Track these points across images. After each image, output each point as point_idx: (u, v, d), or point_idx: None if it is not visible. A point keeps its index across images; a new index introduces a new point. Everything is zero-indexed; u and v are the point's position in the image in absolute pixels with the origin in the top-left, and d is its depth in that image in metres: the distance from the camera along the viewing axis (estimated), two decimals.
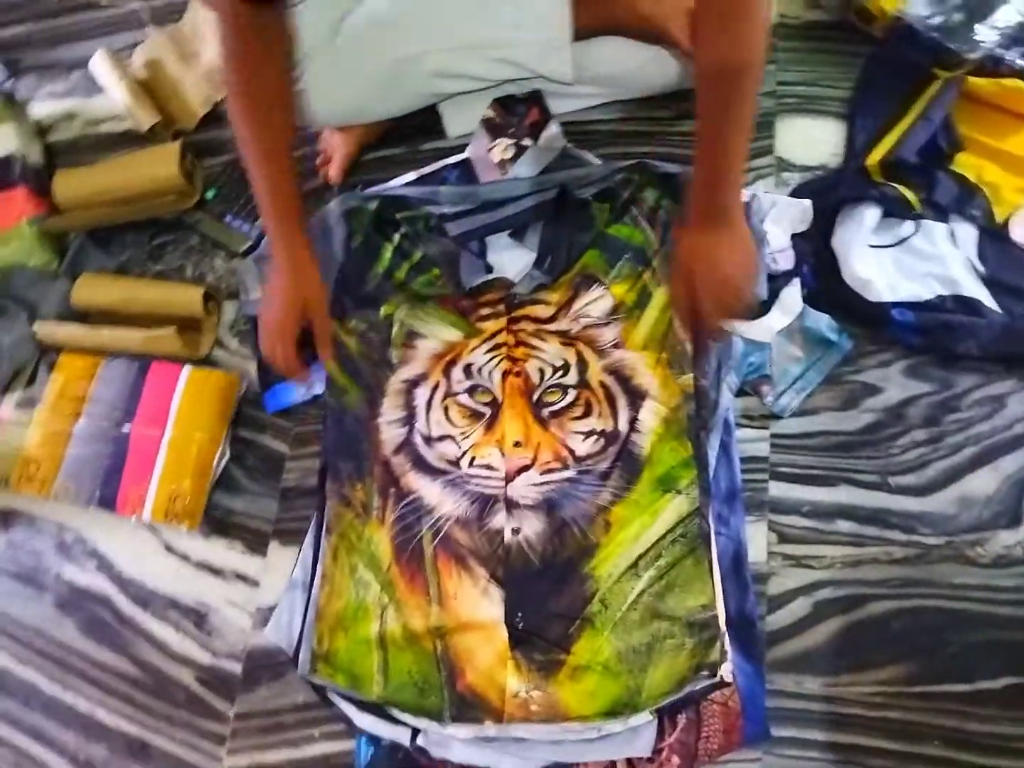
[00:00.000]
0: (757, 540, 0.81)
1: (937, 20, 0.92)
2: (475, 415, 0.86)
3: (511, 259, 0.94)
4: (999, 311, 0.84)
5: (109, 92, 1.16)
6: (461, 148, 1.01)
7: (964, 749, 0.73)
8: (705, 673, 0.73)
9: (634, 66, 0.92)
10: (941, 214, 0.89)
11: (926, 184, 0.89)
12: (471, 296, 0.91)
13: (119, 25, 1.28)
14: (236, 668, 0.89)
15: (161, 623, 0.92)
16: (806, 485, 0.83)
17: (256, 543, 0.93)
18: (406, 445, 0.86)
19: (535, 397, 0.85)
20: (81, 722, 0.91)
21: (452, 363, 0.88)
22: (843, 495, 0.82)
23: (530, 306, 0.89)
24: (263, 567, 0.92)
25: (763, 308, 0.85)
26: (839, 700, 0.76)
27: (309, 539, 0.88)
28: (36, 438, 0.97)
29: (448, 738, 0.77)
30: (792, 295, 0.86)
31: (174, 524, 0.92)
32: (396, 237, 0.95)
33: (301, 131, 0.98)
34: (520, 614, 0.77)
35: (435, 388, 0.88)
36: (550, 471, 0.82)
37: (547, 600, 0.78)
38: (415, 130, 1.04)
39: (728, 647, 0.75)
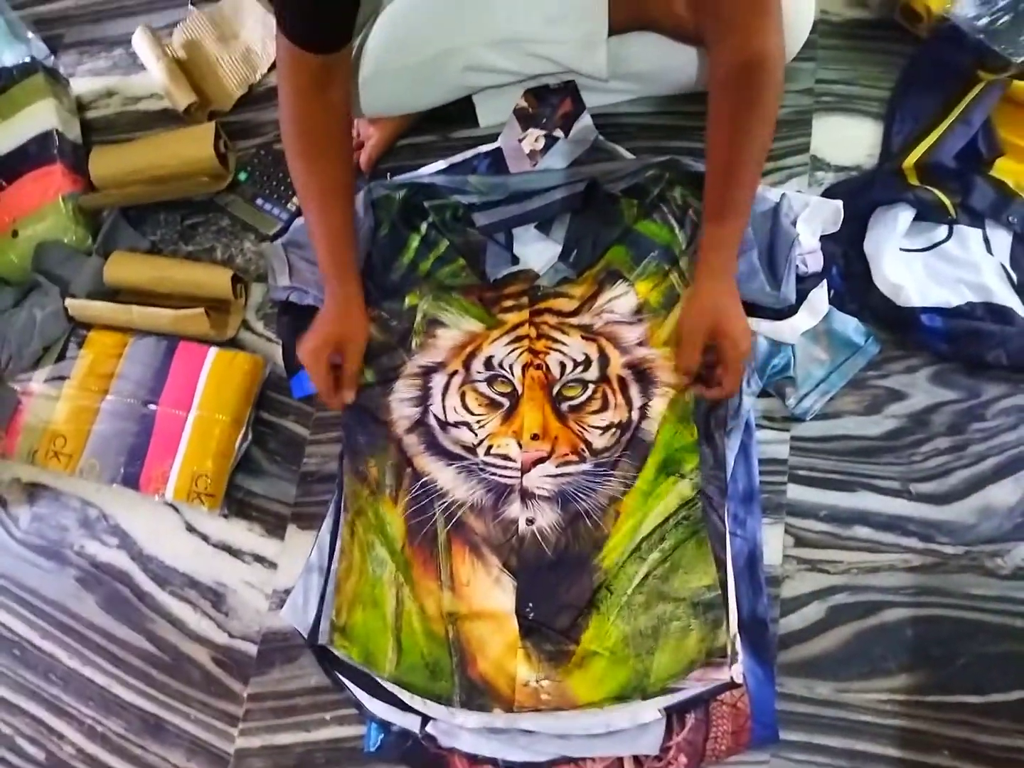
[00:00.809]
0: (773, 543, 0.84)
1: (984, 22, 0.94)
2: (493, 404, 0.90)
3: (537, 251, 0.97)
4: None
5: (148, 70, 1.22)
6: (493, 137, 1.05)
7: (974, 761, 0.75)
8: (716, 659, 0.76)
9: (668, 64, 0.95)
10: (976, 220, 0.91)
11: (962, 188, 0.90)
12: (495, 287, 0.95)
13: (161, 3, 1.33)
14: (251, 649, 0.93)
15: (179, 602, 0.98)
16: (825, 489, 0.86)
17: (275, 526, 0.98)
18: (420, 425, 0.91)
19: (555, 391, 0.89)
20: (99, 696, 0.96)
21: (473, 354, 0.92)
22: (862, 500, 0.84)
23: (553, 299, 0.93)
24: (281, 549, 0.96)
25: (791, 309, 0.88)
26: (849, 706, 0.78)
27: (327, 523, 0.92)
28: (64, 413, 1.03)
29: (457, 727, 0.81)
30: (819, 297, 0.88)
31: (196, 504, 0.97)
32: (423, 226, 0.99)
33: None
34: (531, 604, 0.81)
35: (453, 375, 0.92)
36: (567, 463, 0.85)
37: (558, 591, 0.81)
38: (448, 118, 1.08)
39: (740, 648, 0.78)
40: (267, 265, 1.04)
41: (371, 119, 1.07)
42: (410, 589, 0.85)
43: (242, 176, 1.13)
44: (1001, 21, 0.93)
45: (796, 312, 0.88)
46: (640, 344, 0.89)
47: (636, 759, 0.79)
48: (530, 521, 0.84)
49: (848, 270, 0.91)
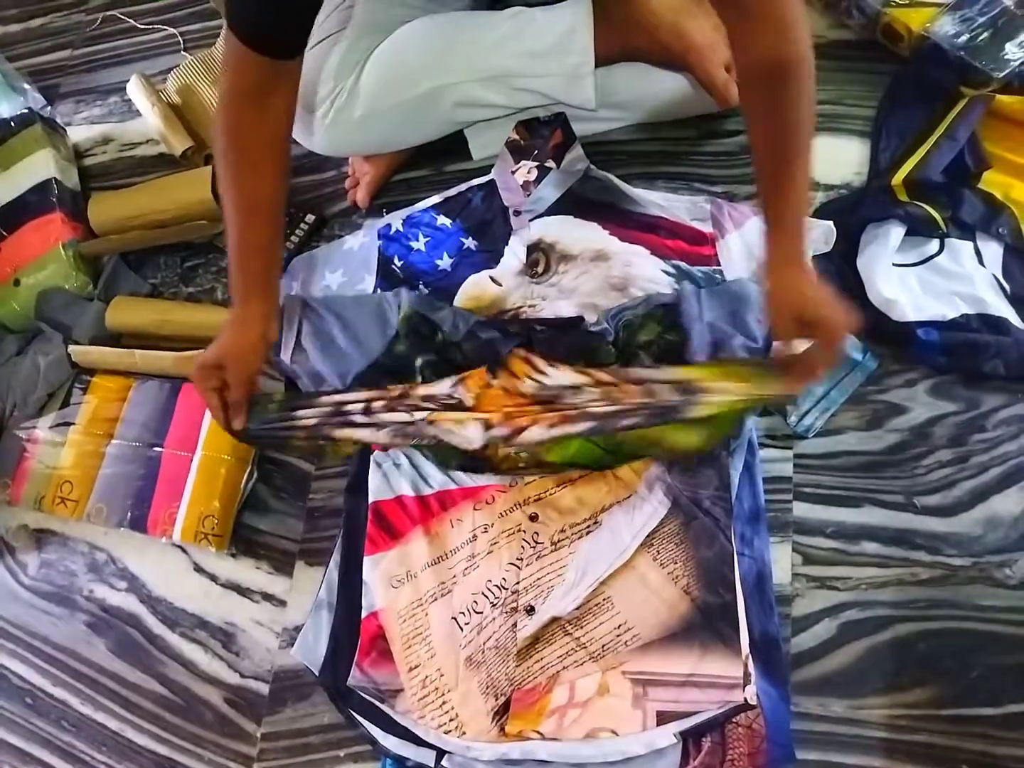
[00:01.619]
0: (781, 561, 0.85)
1: (964, 39, 0.96)
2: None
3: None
4: None
5: (144, 116, 1.25)
6: (486, 170, 1.07)
7: None
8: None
9: (656, 92, 0.98)
10: (967, 232, 0.93)
11: (952, 202, 0.92)
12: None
13: (155, 50, 1.38)
14: (263, 689, 0.94)
15: (190, 643, 0.98)
16: (830, 506, 0.87)
17: (283, 563, 0.99)
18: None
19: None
20: (112, 742, 0.97)
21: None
22: (868, 516, 0.86)
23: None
24: (290, 587, 0.97)
25: None
26: (864, 723, 0.79)
27: (335, 559, 0.92)
28: (70, 458, 1.04)
29: (472, 760, 0.81)
30: None
31: (203, 545, 0.98)
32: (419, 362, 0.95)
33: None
34: None
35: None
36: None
37: None
38: (441, 152, 1.11)
39: (752, 669, 0.79)
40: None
41: (365, 156, 1.09)
42: None
43: None
44: (981, 38, 0.95)
45: None
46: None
47: None
48: None
49: (842, 287, 0.92)
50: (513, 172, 1.03)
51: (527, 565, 0.86)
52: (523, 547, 0.87)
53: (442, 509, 0.91)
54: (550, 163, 1.02)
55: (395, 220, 1.06)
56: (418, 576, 0.88)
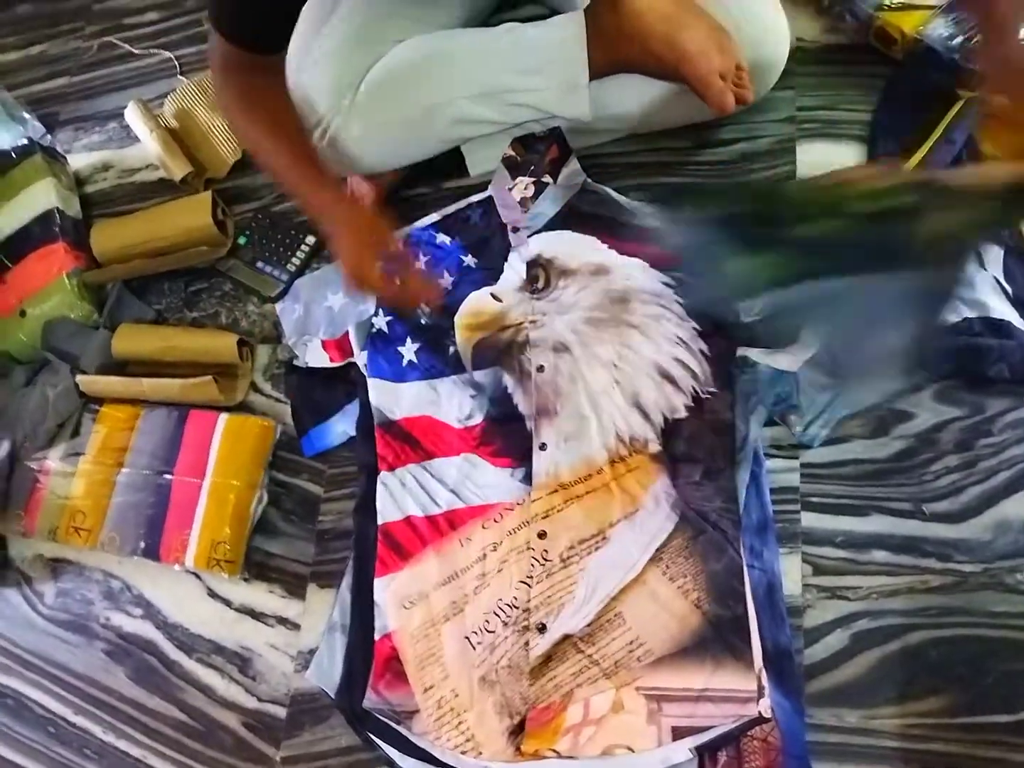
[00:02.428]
0: (791, 572, 0.85)
1: (958, 41, 0.95)
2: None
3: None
4: None
5: (143, 142, 1.25)
6: (484, 186, 1.07)
7: None
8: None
9: (651, 103, 0.97)
10: None
11: None
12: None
13: (152, 75, 1.37)
14: (281, 712, 0.94)
15: (206, 668, 0.99)
16: (838, 515, 0.86)
17: (295, 586, 0.99)
18: None
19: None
20: None
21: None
22: (876, 524, 0.85)
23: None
24: (303, 610, 0.98)
25: (788, 339, 0.90)
26: (879, 733, 0.78)
27: (346, 580, 0.93)
28: (81, 488, 1.05)
29: None
30: None
31: (216, 572, 0.98)
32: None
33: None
34: None
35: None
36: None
37: None
38: (438, 170, 1.10)
39: (766, 682, 0.79)
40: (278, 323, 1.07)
41: (364, 175, 1.09)
42: None
43: (241, 240, 1.16)
44: (975, 39, 0.94)
45: (795, 341, 0.89)
46: None
47: None
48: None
49: None
50: (510, 189, 1.04)
51: (537, 583, 0.86)
52: (532, 565, 0.87)
53: (451, 528, 0.91)
54: (547, 178, 1.03)
55: None
56: (429, 597, 0.89)
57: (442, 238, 1.05)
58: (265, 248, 1.14)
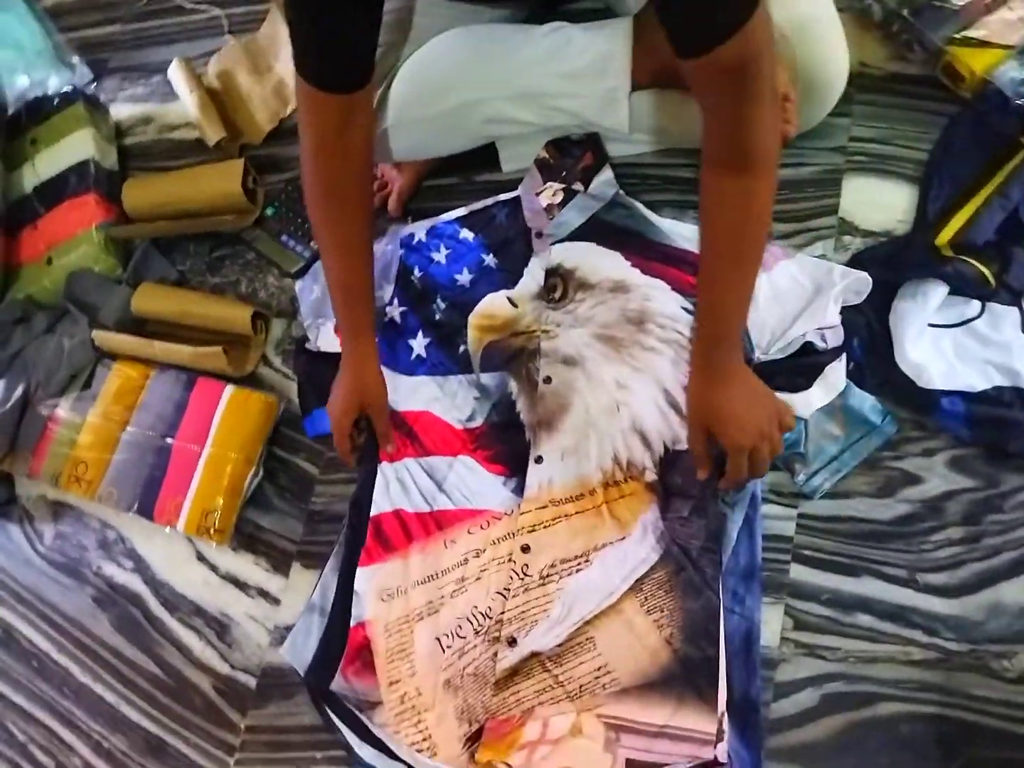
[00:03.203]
0: (771, 623, 0.83)
1: None
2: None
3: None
4: None
5: (183, 100, 1.26)
6: (515, 182, 1.06)
7: None
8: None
9: (690, 118, 0.94)
10: (1014, 297, 0.88)
11: (1001, 263, 0.87)
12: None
13: (200, 31, 1.38)
14: (251, 682, 0.97)
15: (186, 629, 1.02)
16: (829, 572, 0.84)
17: (280, 562, 1.01)
18: None
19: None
20: (107, 713, 1.01)
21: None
22: (867, 587, 0.83)
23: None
24: (285, 586, 1.00)
25: (807, 383, 0.87)
26: None
27: (331, 564, 0.94)
28: (87, 440, 1.08)
29: None
30: (836, 371, 0.87)
31: (205, 539, 1.01)
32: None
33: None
34: None
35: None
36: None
37: None
38: (471, 161, 1.09)
39: (727, 727, 0.78)
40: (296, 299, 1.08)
41: (394, 164, 1.08)
42: None
43: (269, 211, 1.16)
44: None
45: (811, 385, 0.87)
46: None
47: None
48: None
49: (871, 343, 0.89)
50: (538, 193, 1.02)
51: (513, 596, 0.86)
52: (511, 577, 0.87)
53: (437, 528, 0.92)
54: (578, 185, 1.00)
55: (419, 230, 1.06)
56: (408, 593, 0.89)
57: (465, 234, 1.04)
58: (291, 222, 1.14)
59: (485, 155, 1.07)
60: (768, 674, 0.81)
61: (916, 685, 0.79)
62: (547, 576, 0.86)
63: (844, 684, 0.80)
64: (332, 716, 0.88)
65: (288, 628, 0.94)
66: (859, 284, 0.88)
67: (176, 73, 1.25)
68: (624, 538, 0.86)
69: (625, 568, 0.85)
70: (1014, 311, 0.88)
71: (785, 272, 0.91)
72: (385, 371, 0.98)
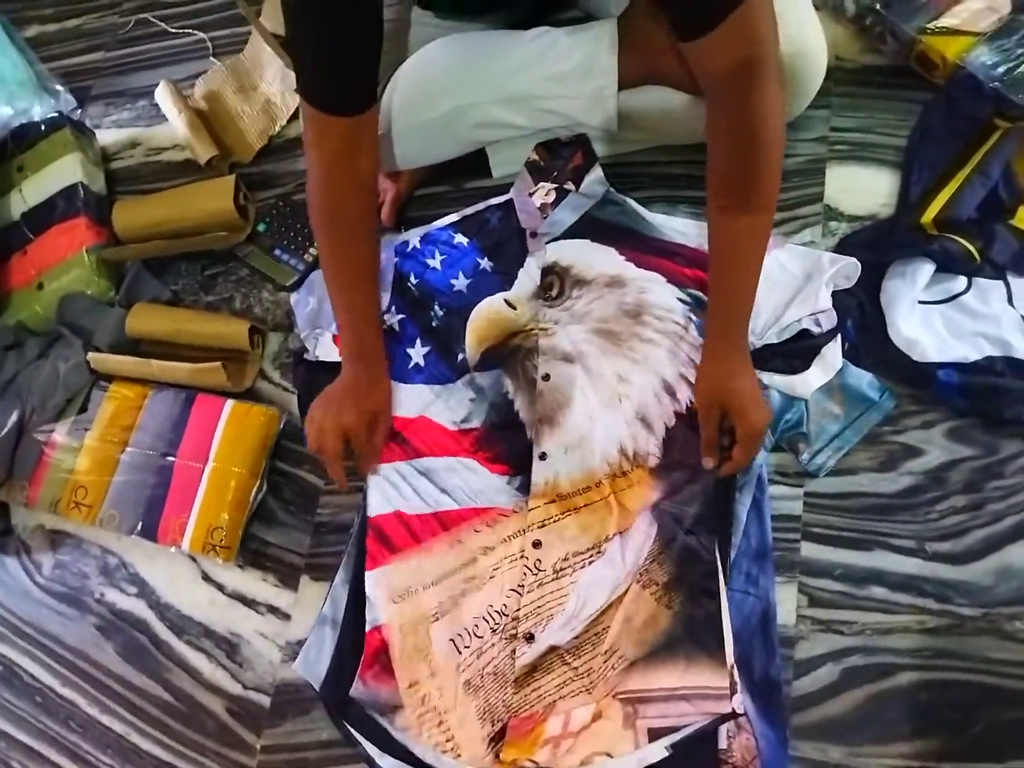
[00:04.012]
0: (786, 602, 0.86)
1: (1001, 70, 0.96)
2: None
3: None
4: None
5: (171, 122, 1.29)
6: (505, 187, 1.09)
7: None
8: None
9: (680, 115, 0.98)
10: (998, 272, 0.92)
11: (984, 239, 0.92)
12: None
13: (185, 55, 1.42)
14: (265, 701, 0.97)
15: (195, 651, 1.02)
16: (839, 547, 0.87)
17: (289, 576, 1.02)
18: None
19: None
20: (117, 745, 1.01)
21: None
22: (877, 559, 0.86)
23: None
24: (294, 600, 1.00)
25: (804, 364, 0.90)
26: None
27: (340, 575, 0.95)
28: (85, 464, 1.08)
29: None
30: (833, 351, 0.90)
31: (211, 557, 1.01)
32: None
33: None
34: None
35: None
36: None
37: None
38: (461, 169, 1.12)
39: (738, 679, 0.80)
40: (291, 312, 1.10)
41: (387, 172, 1.12)
42: None
43: (261, 227, 1.19)
44: (1019, 69, 0.95)
45: (809, 367, 0.90)
46: None
47: None
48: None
49: (864, 323, 0.93)
50: (531, 194, 1.05)
51: (528, 592, 0.87)
52: (525, 574, 0.88)
53: (442, 528, 0.93)
54: (569, 185, 1.04)
55: (413, 237, 1.09)
56: (419, 593, 0.91)
57: (459, 239, 1.08)
58: (284, 236, 1.17)
59: (475, 162, 1.11)
60: (787, 653, 0.84)
61: (932, 653, 0.81)
62: (560, 570, 0.88)
63: (862, 657, 0.83)
64: (351, 729, 0.89)
65: (300, 643, 0.94)
66: (848, 269, 0.92)
67: (163, 95, 1.28)
68: (631, 526, 0.88)
69: (630, 554, 0.87)
70: (1000, 284, 0.92)
71: (776, 261, 0.94)
72: None
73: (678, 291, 0.97)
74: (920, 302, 0.92)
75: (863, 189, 1.01)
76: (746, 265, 0.84)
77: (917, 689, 0.81)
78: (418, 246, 1.08)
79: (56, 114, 1.30)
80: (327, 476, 1.04)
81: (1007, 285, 0.93)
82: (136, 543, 1.07)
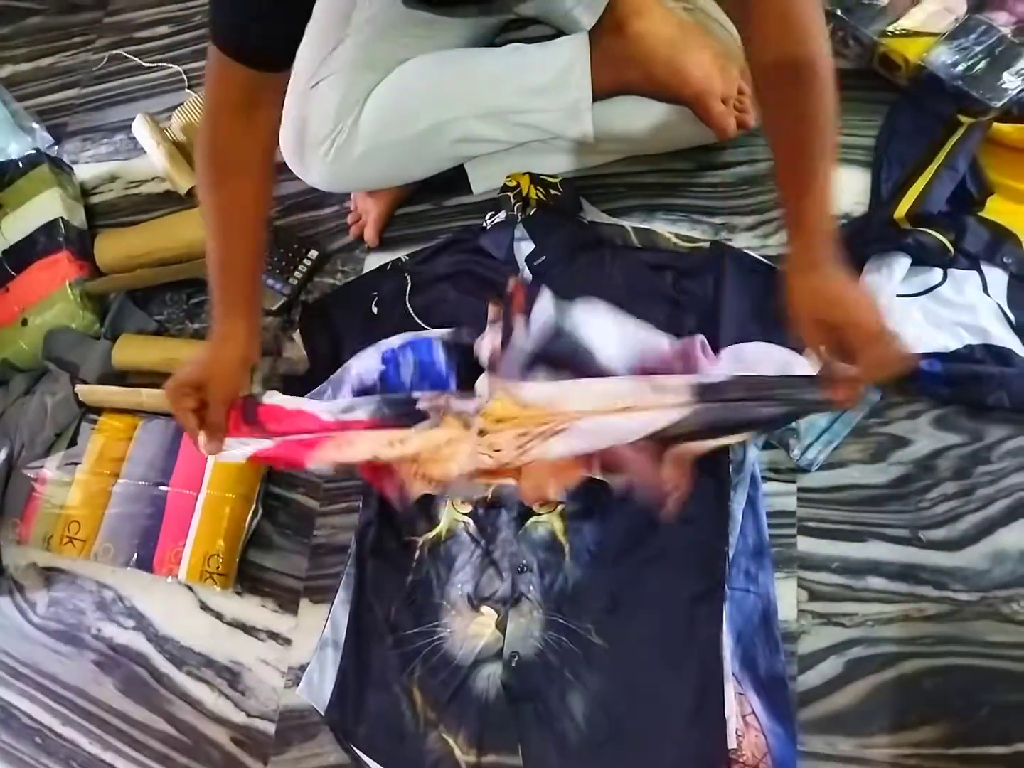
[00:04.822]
0: (787, 598, 0.86)
1: (960, 68, 0.97)
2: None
3: None
4: None
5: (149, 155, 1.29)
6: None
7: None
8: None
9: (654, 124, 1.00)
10: (972, 262, 0.94)
11: (956, 232, 0.93)
12: None
13: (161, 88, 1.42)
14: (269, 728, 0.96)
15: (196, 682, 1.00)
16: (835, 540, 0.87)
17: (287, 601, 1.01)
18: None
19: None
20: None
21: None
22: (873, 550, 0.86)
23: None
24: (294, 625, 0.99)
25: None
26: (872, 762, 0.79)
27: (340, 596, 0.94)
28: (77, 498, 1.07)
29: None
30: None
31: (209, 585, 1.00)
32: None
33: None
34: None
35: None
36: None
37: None
38: (441, 186, 1.13)
39: None
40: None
41: (368, 192, 1.12)
42: None
43: None
44: (978, 67, 0.97)
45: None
46: None
47: None
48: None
49: None
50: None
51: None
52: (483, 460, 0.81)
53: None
54: (526, 272, 1.01)
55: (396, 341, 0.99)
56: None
57: (439, 355, 0.98)
58: (268, 261, 1.16)
59: (455, 179, 1.11)
60: (790, 648, 0.84)
61: (934, 639, 0.82)
62: (524, 444, 0.80)
63: (864, 648, 0.83)
64: (358, 752, 0.88)
65: (302, 668, 0.93)
66: None
67: (141, 128, 1.28)
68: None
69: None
70: (974, 274, 0.94)
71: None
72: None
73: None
74: (898, 295, 0.93)
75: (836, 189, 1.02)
76: (814, 126, 0.74)
77: (921, 676, 0.81)
78: (395, 347, 0.99)
79: (33, 151, 1.29)
80: (321, 498, 1.03)
81: (981, 275, 0.94)
82: (132, 575, 1.05)
